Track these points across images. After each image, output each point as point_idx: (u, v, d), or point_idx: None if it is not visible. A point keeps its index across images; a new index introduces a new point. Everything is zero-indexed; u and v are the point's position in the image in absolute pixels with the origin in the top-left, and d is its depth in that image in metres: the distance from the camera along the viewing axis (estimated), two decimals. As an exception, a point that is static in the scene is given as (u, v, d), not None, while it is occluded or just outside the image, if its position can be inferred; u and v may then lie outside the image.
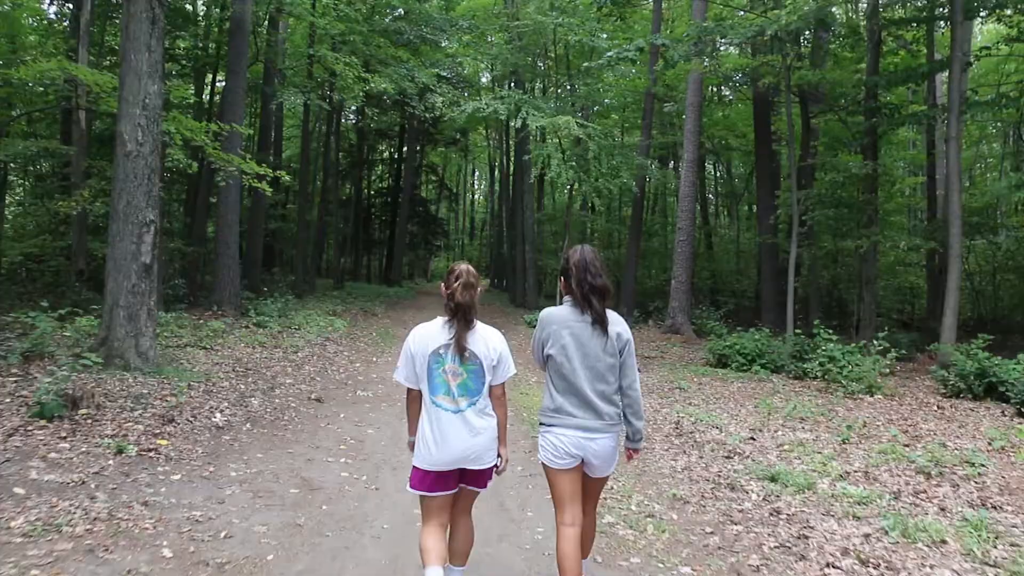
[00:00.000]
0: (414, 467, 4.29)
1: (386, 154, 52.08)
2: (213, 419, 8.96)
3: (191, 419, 8.79)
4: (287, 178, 16.50)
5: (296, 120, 40.01)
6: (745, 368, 15.55)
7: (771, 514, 6.70)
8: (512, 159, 41.47)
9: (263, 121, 29.15)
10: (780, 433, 9.97)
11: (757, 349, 15.78)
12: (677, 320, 21.87)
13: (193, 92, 28.72)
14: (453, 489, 4.34)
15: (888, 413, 11.39)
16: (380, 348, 17.88)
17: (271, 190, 16.48)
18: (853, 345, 14.32)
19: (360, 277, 48.01)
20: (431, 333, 4.28)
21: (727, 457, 8.77)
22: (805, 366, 14.66)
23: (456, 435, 4.17)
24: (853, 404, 12.06)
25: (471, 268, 4.30)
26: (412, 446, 4.41)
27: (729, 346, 15.95)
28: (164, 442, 7.76)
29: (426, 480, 4.25)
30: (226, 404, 9.77)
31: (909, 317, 28.12)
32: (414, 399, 4.43)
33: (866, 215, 19.03)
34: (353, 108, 44.27)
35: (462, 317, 4.21)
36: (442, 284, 4.34)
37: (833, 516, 6.59)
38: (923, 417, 11.06)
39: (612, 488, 7.46)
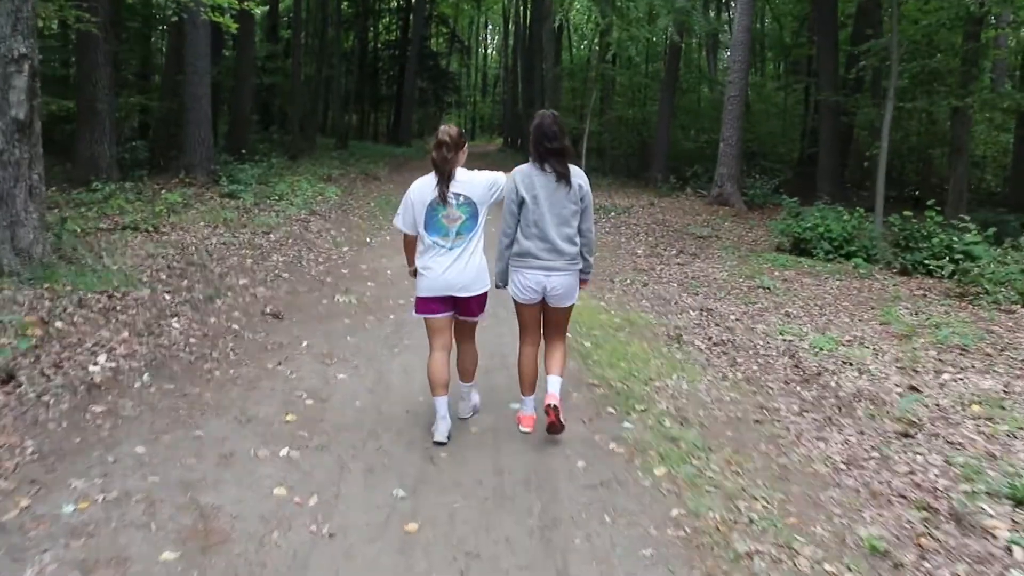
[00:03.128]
0: (416, 297, 4.96)
1: (393, 3, 47.05)
2: (91, 367, 5.51)
3: (51, 371, 5.34)
4: (256, 9, 12.59)
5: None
6: (831, 257, 12.01)
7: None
8: (530, 5, 37.00)
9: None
10: (949, 378, 6.50)
11: (845, 233, 12.19)
12: (726, 189, 18.17)
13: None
14: (449, 312, 4.95)
15: (1073, 337, 7.89)
16: (377, 224, 14.32)
17: (235, 26, 12.65)
18: (974, 233, 10.77)
19: (366, 136, 43.97)
20: (428, 184, 4.80)
21: (903, 435, 5.33)
22: (912, 258, 11.13)
23: (449, 267, 4.79)
24: (1011, 322, 8.56)
25: (449, 129, 4.80)
26: (414, 273, 5.02)
27: (810, 228, 12.33)
28: (-32, 432, 4.33)
29: (426, 305, 4.91)
30: (127, 334, 6.30)
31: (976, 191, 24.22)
32: (411, 242, 5.00)
33: (973, 67, 15.08)
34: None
35: (439, 172, 4.73)
36: None
37: None
38: None
39: (750, 522, 4.06)
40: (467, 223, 4.80)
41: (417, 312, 4.98)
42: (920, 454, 4.98)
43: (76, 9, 12.05)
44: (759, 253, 12.52)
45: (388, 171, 24.22)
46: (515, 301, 5.13)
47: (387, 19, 47.71)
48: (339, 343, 6.87)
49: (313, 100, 32.50)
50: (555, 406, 4.85)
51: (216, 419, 5.01)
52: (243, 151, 18.14)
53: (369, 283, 9.38)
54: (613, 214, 16.95)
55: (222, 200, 13.86)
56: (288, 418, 5.12)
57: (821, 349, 7.25)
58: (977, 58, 15.18)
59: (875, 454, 5.03)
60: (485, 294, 4.99)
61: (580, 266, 5.05)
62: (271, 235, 11.57)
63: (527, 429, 5.13)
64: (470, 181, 4.83)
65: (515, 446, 4.96)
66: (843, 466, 4.88)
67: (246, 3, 12.68)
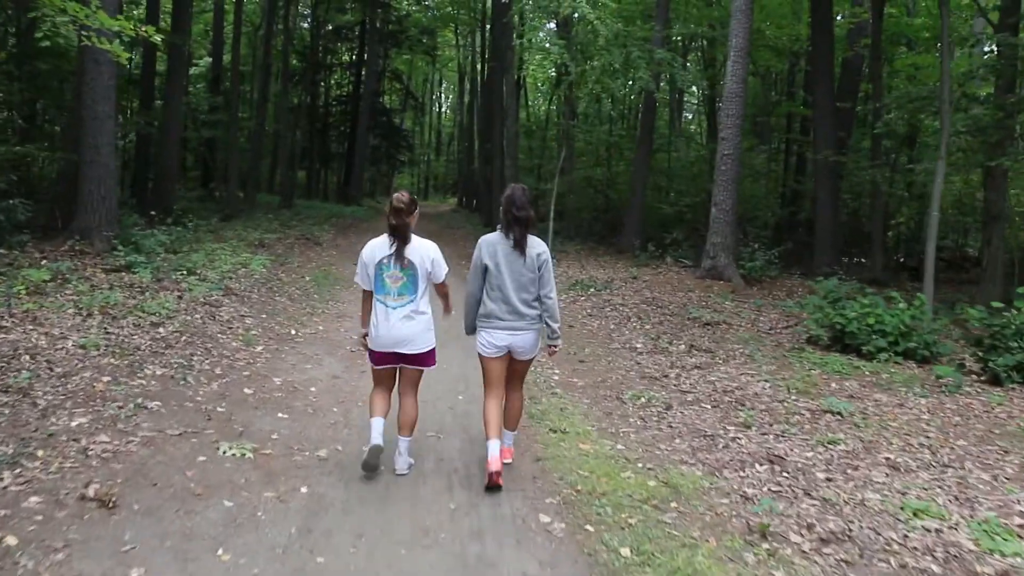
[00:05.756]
0: (369, 349, 5.22)
1: (346, 58, 44.16)
2: None
3: None
4: (158, 39, 9.59)
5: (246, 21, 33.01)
6: (885, 356, 9.17)
7: None
8: (487, 61, 34.45)
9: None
10: None
11: (901, 325, 9.37)
12: (719, 261, 15.33)
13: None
14: (394, 364, 5.20)
15: None
16: (309, 306, 11.22)
17: (127, 56, 9.61)
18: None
19: (316, 194, 40.84)
20: (378, 245, 5.12)
21: None
22: (1004, 362, 8.32)
23: (393, 325, 5.05)
24: None
25: (402, 196, 5.07)
26: (364, 337, 5.29)
27: (857, 319, 9.49)
28: None
29: (376, 357, 5.18)
30: None
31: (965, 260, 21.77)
32: (367, 298, 5.20)
33: (1008, 119, 12.48)
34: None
35: (398, 235, 5.04)
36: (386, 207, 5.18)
37: None
38: None
39: None
40: (407, 285, 5.07)
41: (372, 362, 5.26)
42: None
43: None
44: (797, 352, 9.61)
45: (333, 234, 21.10)
46: (481, 356, 5.37)
47: (338, 74, 44.84)
48: (200, 569, 3.77)
49: (255, 156, 29.37)
50: (508, 462, 5.38)
51: None
52: (152, 212, 14.95)
53: (281, 414, 6.27)
54: (592, 290, 14.05)
55: (111, 276, 10.68)
56: None
57: (1003, 555, 4.35)
58: (1016, 111, 12.61)
59: None
60: (431, 351, 5.21)
61: (539, 326, 5.30)
62: (160, 328, 8.43)
63: (496, 469, 5.12)
64: (421, 250, 5.12)
65: None
66: None
67: (144, 30, 9.74)
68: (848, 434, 6.45)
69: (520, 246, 5.11)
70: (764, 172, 24.25)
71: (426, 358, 5.18)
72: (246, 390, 6.80)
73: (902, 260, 22.16)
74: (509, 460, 5.42)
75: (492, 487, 4.99)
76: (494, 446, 5.16)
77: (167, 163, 20.48)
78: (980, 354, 8.69)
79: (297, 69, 37.93)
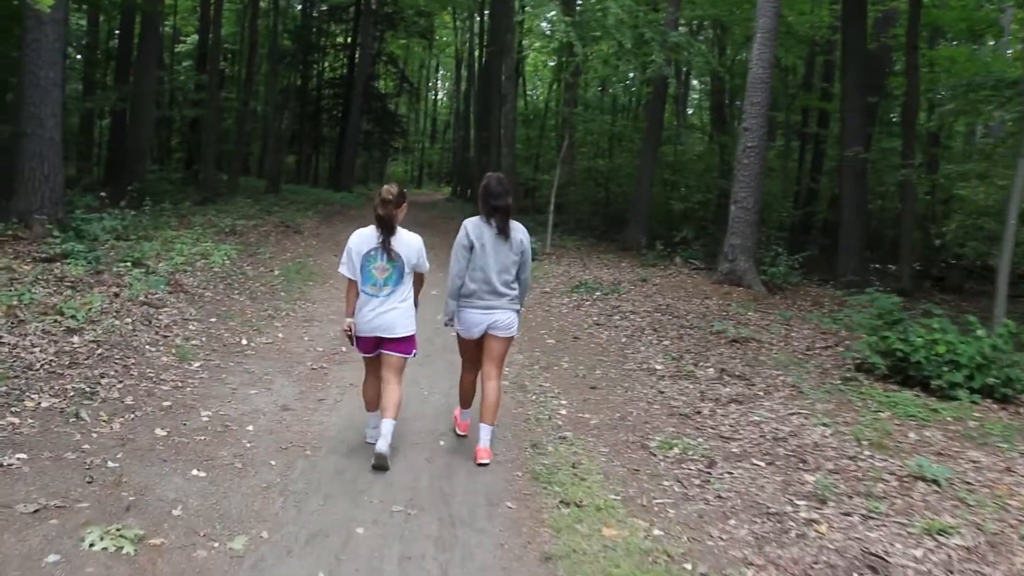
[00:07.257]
0: (356, 337, 5.18)
1: (339, 40, 42.15)
2: None
3: None
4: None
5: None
6: (963, 394, 7.46)
7: None
8: (485, 47, 32.75)
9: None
10: None
11: (978, 356, 7.68)
12: (739, 265, 13.58)
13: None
14: (376, 352, 5.17)
15: None
16: (272, 307, 9.49)
17: (48, 3, 7.86)
18: None
19: (306, 179, 39.03)
20: (366, 236, 5.10)
21: None
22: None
23: (378, 312, 5.05)
24: None
25: (392, 188, 5.11)
26: (348, 328, 5.20)
27: (924, 347, 7.77)
28: None
29: (362, 343, 5.18)
30: None
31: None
32: (352, 287, 5.17)
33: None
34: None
35: (384, 226, 5.02)
36: None
37: None
38: None
39: None
40: (392, 276, 5.08)
41: (358, 348, 5.26)
42: None
43: None
44: (854, 385, 7.84)
45: (316, 222, 19.33)
46: (458, 336, 5.47)
47: (332, 56, 42.84)
48: None
49: (240, 137, 27.59)
50: (485, 463, 5.13)
51: None
52: (102, 194, 13.16)
53: (196, 470, 4.55)
54: (599, 294, 12.36)
55: (40, 267, 8.93)
56: None
57: None
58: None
59: None
60: (411, 337, 5.20)
61: (518, 306, 5.40)
62: (75, 337, 6.70)
63: (463, 433, 5.62)
64: (407, 243, 5.13)
65: None
66: None
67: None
68: (959, 518, 4.74)
69: (504, 232, 5.20)
70: (777, 170, 22.49)
71: (407, 343, 5.19)
72: (158, 431, 5.08)
73: (920, 268, 20.49)
74: (487, 461, 5.21)
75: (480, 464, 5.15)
76: (466, 413, 5.64)
77: (137, 141, 18.70)
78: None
79: (288, 50, 36.08)
